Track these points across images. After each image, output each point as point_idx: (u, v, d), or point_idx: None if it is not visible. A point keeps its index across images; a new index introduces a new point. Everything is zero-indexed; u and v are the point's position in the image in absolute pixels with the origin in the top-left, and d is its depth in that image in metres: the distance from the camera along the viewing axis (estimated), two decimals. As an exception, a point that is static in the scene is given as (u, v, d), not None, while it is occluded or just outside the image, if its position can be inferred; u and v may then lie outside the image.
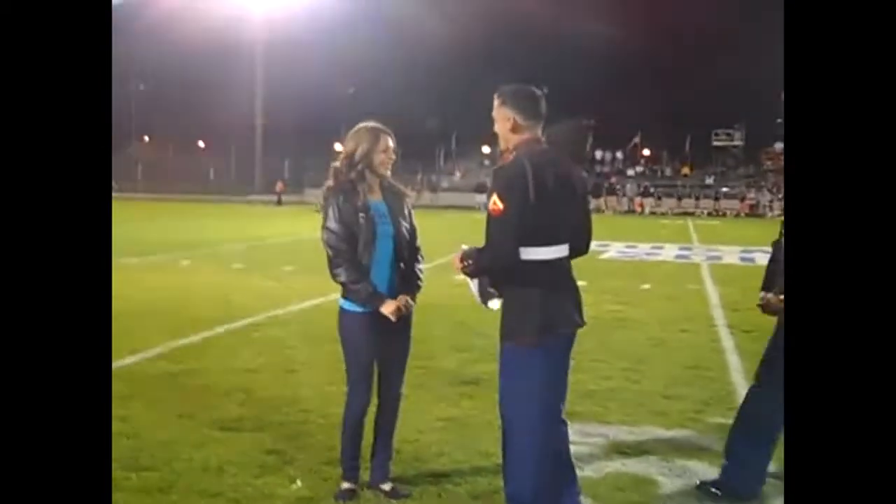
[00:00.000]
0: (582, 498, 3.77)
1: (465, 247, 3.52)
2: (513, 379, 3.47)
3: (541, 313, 3.40)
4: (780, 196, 45.91)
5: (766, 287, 4.18)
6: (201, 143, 73.95)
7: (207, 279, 12.37)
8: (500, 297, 3.53)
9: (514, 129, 3.50)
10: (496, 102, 3.56)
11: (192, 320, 8.75)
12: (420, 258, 4.13)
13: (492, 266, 3.46)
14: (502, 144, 3.57)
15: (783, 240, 4.04)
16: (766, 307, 4.13)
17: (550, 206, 3.37)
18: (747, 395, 4.40)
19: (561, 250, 3.48)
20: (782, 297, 3.92)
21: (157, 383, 6.08)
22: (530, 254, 3.38)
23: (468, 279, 3.61)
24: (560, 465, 3.63)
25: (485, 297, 3.59)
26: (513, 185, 3.35)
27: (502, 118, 3.52)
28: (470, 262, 3.48)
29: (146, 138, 74.11)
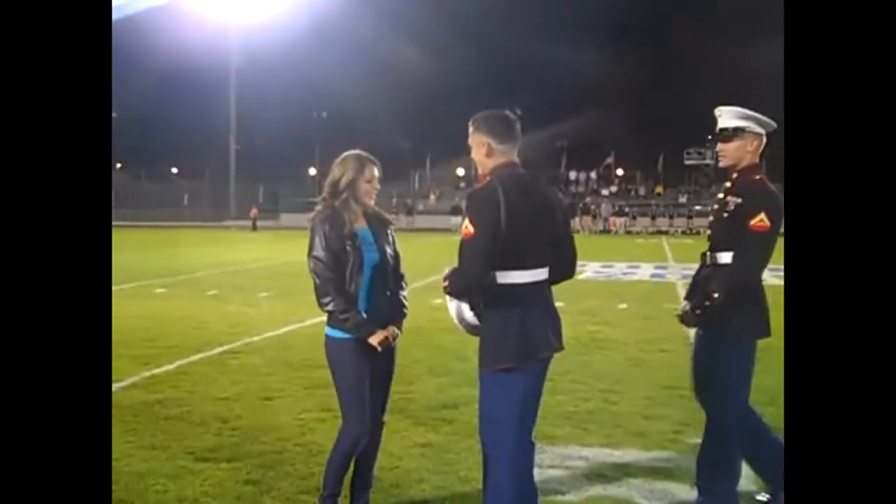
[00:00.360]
0: None
1: (447, 268, 3.52)
2: (492, 403, 3.46)
3: (518, 338, 3.39)
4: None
5: (688, 297, 4.23)
6: (174, 170, 73.63)
7: (182, 306, 12.24)
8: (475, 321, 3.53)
9: (489, 154, 3.51)
10: (471, 129, 3.58)
11: (166, 348, 8.64)
12: (404, 285, 4.11)
13: (462, 289, 3.47)
14: (480, 170, 3.58)
15: (709, 253, 4.15)
16: (683, 318, 4.15)
17: (525, 230, 3.38)
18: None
19: (538, 274, 3.47)
20: (698, 311, 4.01)
21: (131, 413, 5.98)
22: (505, 277, 3.38)
23: (448, 300, 3.60)
24: (529, 487, 3.62)
25: (461, 320, 3.59)
26: (484, 208, 3.35)
27: (477, 144, 3.54)
28: (447, 282, 3.48)
29: (118, 165, 73.64)
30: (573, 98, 66.43)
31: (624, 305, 12.74)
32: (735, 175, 4.14)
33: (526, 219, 3.38)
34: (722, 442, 4.08)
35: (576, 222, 46.64)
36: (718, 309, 3.94)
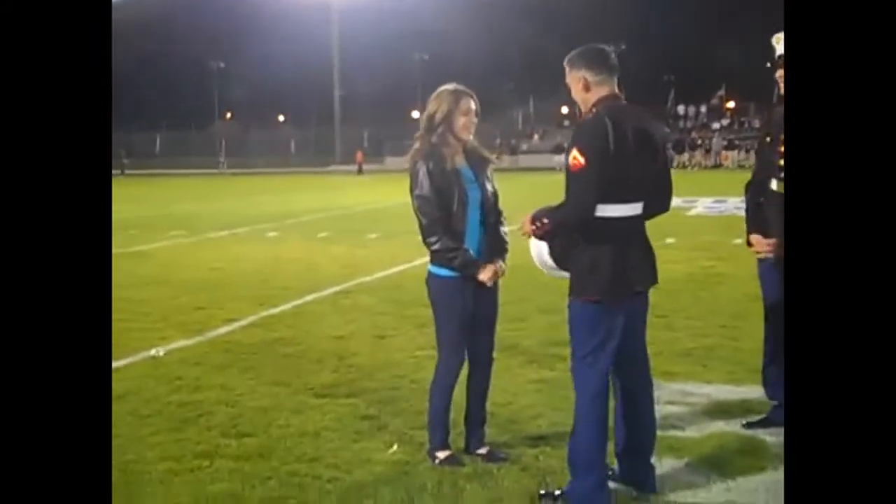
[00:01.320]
0: (667, 460, 3.80)
1: (533, 211, 3.47)
2: (576, 333, 3.48)
3: (609, 271, 3.38)
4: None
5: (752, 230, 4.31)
6: (281, 118, 75.10)
7: (294, 249, 12.53)
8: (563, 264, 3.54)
9: (587, 88, 3.46)
10: (567, 70, 3.53)
11: (281, 289, 8.86)
12: (503, 221, 4.03)
13: (571, 222, 3.42)
14: (582, 108, 3.52)
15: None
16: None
17: (629, 162, 3.34)
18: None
19: (634, 208, 3.45)
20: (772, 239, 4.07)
21: (251, 351, 6.17)
22: (603, 210, 3.34)
23: (533, 242, 3.60)
24: (641, 425, 3.65)
25: (543, 264, 3.61)
26: (593, 138, 3.32)
27: (574, 81, 3.50)
28: (543, 221, 3.43)
29: (228, 115, 75.65)
30: (680, 30, 64.06)
31: (739, 241, 12.28)
32: None
33: (630, 151, 3.34)
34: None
35: (684, 158, 45.48)
36: None
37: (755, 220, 4.27)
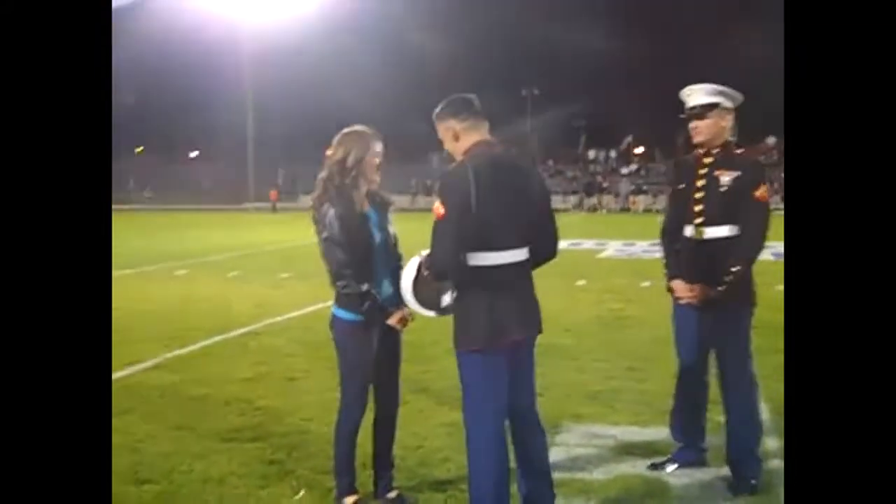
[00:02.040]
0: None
1: (423, 252, 3.51)
2: (465, 385, 3.44)
3: (486, 321, 3.34)
4: (774, 190, 46.17)
5: (680, 275, 4.33)
6: (193, 154, 73.90)
7: (204, 288, 12.26)
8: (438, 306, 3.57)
9: (457, 137, 3.46)
10: (436, 125, 3.53)
11: (189, 330, 8.65)
12: (402, 265, 3.99)
13: (433, 271, 3.42)
14: (455, 157, 3.50)
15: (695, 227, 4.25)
16: (706, 296, 4.18)
17: (497, 210, 3.31)
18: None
19: (512, 255, 3.40)
20: (721, 287, 4.10)
21: (155, 395, 5.98)
22: (477, 259, 3.33)
23: (403, 279, 3.68)
24: (535, 474, 3.60)
25: (423, 302, 3.65)
26: (454, 190, 3.30)
27: (444, 133, 3.50)
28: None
29: (138, 150, 74.02)
30: (591, 78, 65.98)
31: (647, 283, 12.63)
32: (715, 150, 4.25)
33: (499, 199, 3.31)
34: (752, 399, 4.26)
35: (594, 201, 46.64)
36: (738, 281, 4.08)
37: (675, 267, 4.36)
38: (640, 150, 63.41)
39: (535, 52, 67.74)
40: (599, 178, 54.68)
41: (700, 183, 4.24)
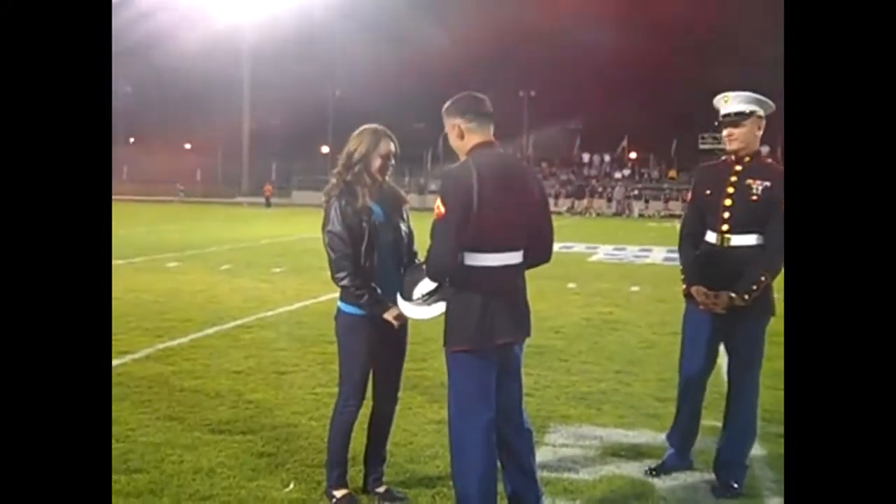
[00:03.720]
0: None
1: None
2: (455, 382, 3.46)
3: (477, 322, 3.36)
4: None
5: (701, 281, 4.25)
6: (188, 146, 73.67)
7: (195, 281, 12.28)
8: (425, 303, 3.62)
9: (461, 135, 3.49)
10: (444, 119, 3.55)
11: (180, 321, 8.68)
12: (417, 262, 4.08)
13: (430, 270, 3.45)
14: (459, 155, 3.54)
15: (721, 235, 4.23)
16: (730, 303, 4.12)
17: (498, 212, 3.33)
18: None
19: (508, 258, 3.42)
20: (747, 295, 4.09)
21: (146, 385, 6.01)
22: (473, 259, 3.35)
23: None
24: (520, 474, 3.62)
25: (409, 299, 3.69)
26: (456, 189, 3.33)
27: (450, 129, 3.53)
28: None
29: (132, 140, 73.78)
30: (587, 81, 66.07)
31: (636, 288, 12.71)
32: (747, 159, 4.24)
33: (500, 201, 3.33)
34: (754, 408, 4.31)
35: (585, 203, 46.82)
36: (763, 289, 4.09)
37: (694, 273, 4.31)
38: (633, 155, 63.56)
39: (534, 53, 67.79)
40: (594, 182, 54.80)
41: (730, 190, 4.22)
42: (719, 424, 5.36)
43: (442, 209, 3.31)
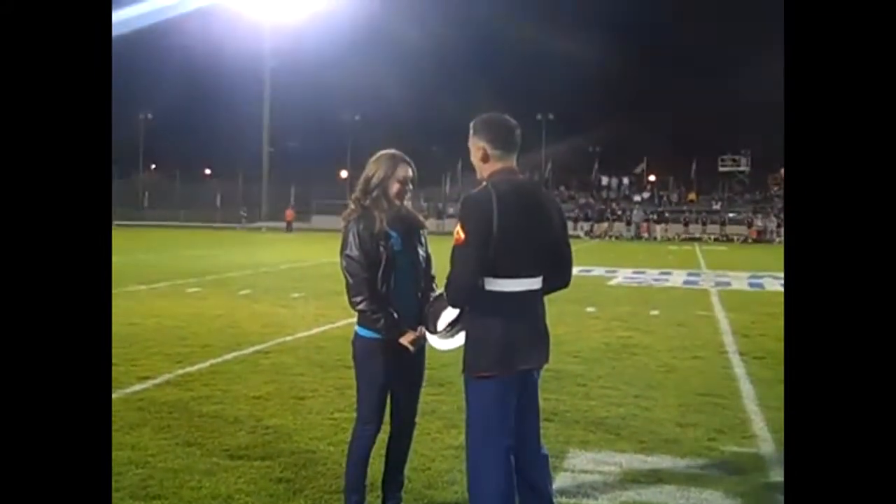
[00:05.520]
0: None
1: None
2: (474, 408, 3.44)
3: (498, 347, 3.34)
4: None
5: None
6: (208, 171, 74.34)
7: (215, 306, 12.34)
8: (449, 334, 3.59)
9: (485, 158, 3.47)
10: (470, 132, 3.53)
11: (200, 347, 8.72)
12: (434, 287, 4.09)
13: (450, 297, 3.44)
14: (477, 174, 3.54)
15: None
16: None
17: (518, 238, 3.32)
18: None
19: (529, 283, 3.42)
20: None
21: (165, 410, 6.04)
22: (493, 285, 3.34)
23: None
24: (537, 500, 3.57)
25: (435, 332, 3.67)
26: (477, 215, 3.32)
27: (475, 148, 3.51)
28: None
29: (153, 166, 74.56)
30: (607, 104, 66.18)
31: (656, 312, 12.64)
32: None
33: (520, 227, 3.33)
34: None
35: (605, 227, 46.72)
36: None
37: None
38: (653, 177, 63.46)
39: (553, 76, 68.03)
40: (613, 205, 54.73)
41: None
42: (739, 449, 5.33)
43: (462, 235, 3.31)
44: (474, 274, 3.31)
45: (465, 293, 3.37)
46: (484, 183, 3.45)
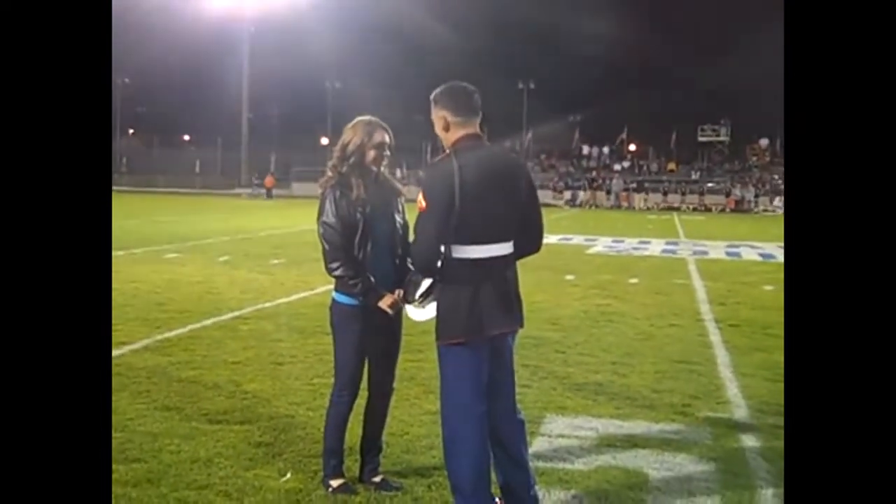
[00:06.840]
0: (548, 491, 3.84)
1: None
2: (447, 375, 3.48)
3: (467, 314, 3.38)
4: (765, 191, 46.33)
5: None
6: (186, 137, 73.66)
7: (194, 272, 12.29)
8: (422, 304, 3.63)
9: (447, 127, 3.50)
10: (432, 105, 3.55)
11: (178, 312, 8.70)
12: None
13: (418, 264, 3.48)
14: (443, 145, 3.55)
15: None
16: None
17: (483, 203, 3.34)
18: None
19: (497, 249, 3.44)
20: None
21: (143, 375, 6.03)
22: (460, 252, 3.36)
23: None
24: (512, 464, 3.62)
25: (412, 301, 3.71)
26: (438, 183, 3.35)
27: (437, 118, 3.53)
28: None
29: (130, 131, 73.76)
30: (587, 73, 66.02)
31: (635, 280, 12.73)
32: None
33: (484, 193, 3.34)
34: None
35: (590, 197, 46.89)
36: None
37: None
38: (633, 147, 63.56)
39: (534, 44, 67.74)
40: (593, 174, 54.85)
41: None
42: (713, 415, 5.42)
43: (424, 203, 3.34)
44: (437, 241, 3.33)
45: (428, 260, 3.40)
46: (447, 151, 3.46)
